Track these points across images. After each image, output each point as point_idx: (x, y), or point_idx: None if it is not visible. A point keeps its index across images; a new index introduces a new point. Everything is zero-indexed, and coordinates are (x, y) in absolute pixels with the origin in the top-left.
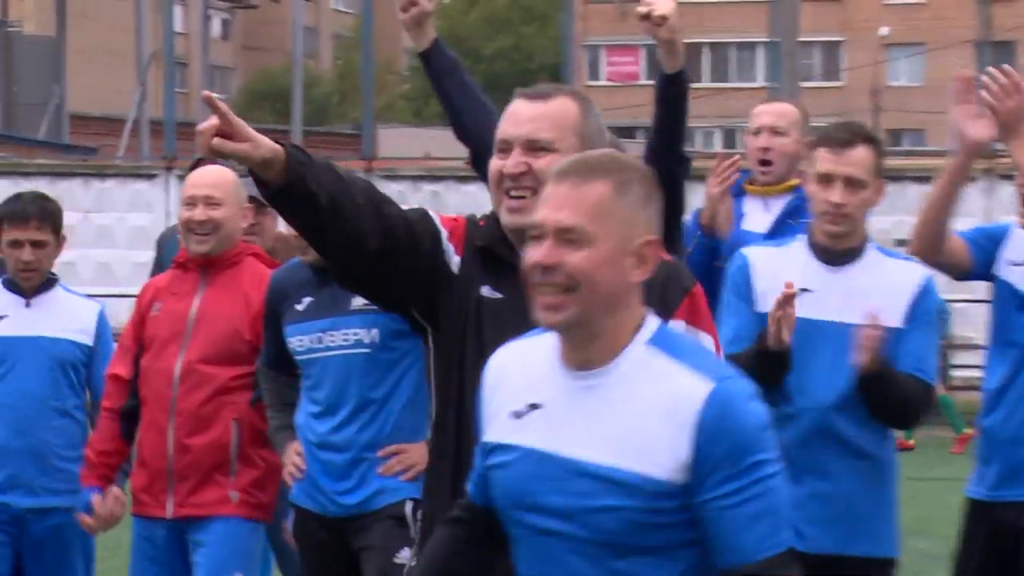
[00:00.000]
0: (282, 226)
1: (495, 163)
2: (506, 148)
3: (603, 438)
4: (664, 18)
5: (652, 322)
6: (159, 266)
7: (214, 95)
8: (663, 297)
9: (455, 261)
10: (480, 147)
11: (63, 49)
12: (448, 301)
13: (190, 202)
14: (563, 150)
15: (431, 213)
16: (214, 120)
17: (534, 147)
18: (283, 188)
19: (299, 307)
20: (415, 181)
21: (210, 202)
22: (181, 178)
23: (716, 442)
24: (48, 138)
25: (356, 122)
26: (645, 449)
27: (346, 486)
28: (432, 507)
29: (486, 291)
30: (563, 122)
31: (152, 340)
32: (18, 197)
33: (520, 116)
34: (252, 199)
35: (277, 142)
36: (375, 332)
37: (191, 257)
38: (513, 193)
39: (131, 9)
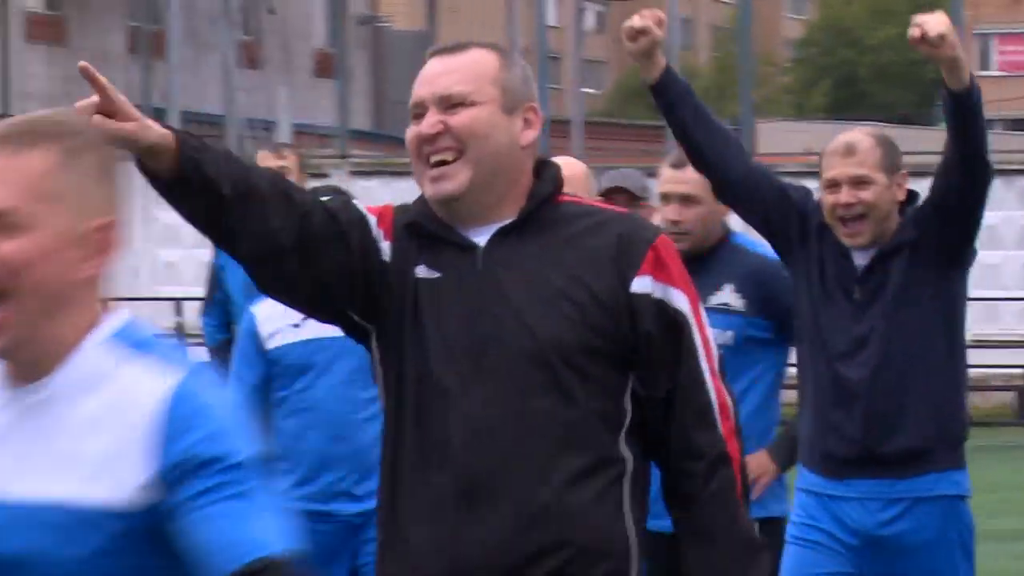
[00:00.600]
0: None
1: (410, 131)
2: (420, 112)
3: (50, 466)
4: (942, 37)
5: (114, 319)
6: None
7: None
8: (621, 254)
9: (385, 247)
10: (722, 177)
11: (433, 44)
12: (385, 291)
13: None
14: (483, 102)
15: (355, 201)
16: (93, 98)
17: (449, 103)
18: (177, 177)
19: None
20: (796, 177)
21: None
22: None
23: (182, 441)
24: None
25: (735, 116)
26: (99, 470)
27: None
28: (382, 495)
29: (422, 271)
30: (479, 73)
31: None
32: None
33: (431, 74)
34: (618, 192)
35: (167, 127)
36: (730, 334)
37: None
38: (433, 159)
39: (502, 2)
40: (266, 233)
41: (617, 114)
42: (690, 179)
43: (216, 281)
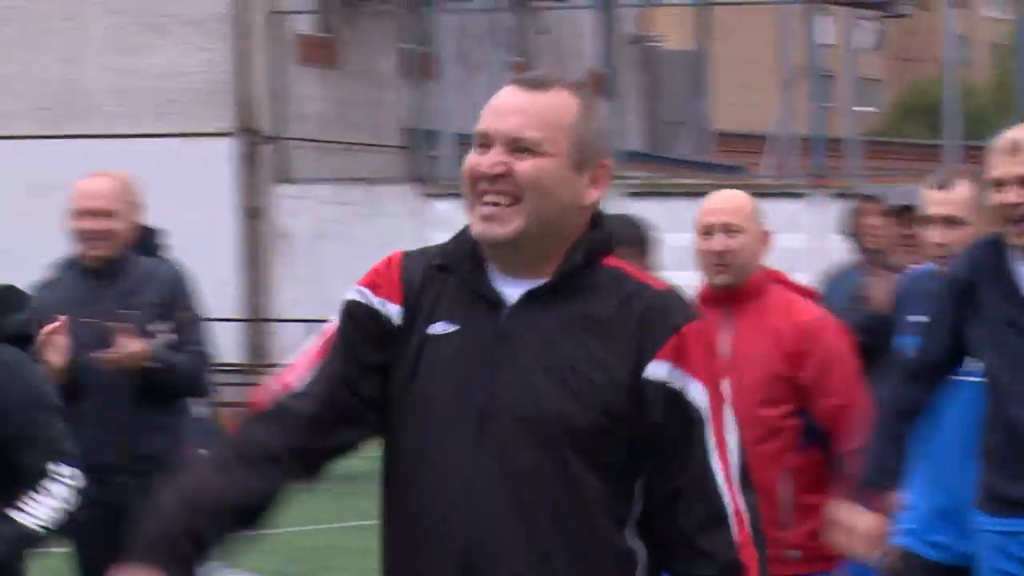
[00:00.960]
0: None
1: (471, 159)
2: (485, 143)
3: None
4: None
5: None
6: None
7: None
8: (643, 335)
9: (394, 312)
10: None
11: (705, 64)
12: (398, 357)
13: (707, 231)
14: (552, 154)
15: (357, 297)
16: None
17: (517, 146)
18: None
19: (912, 319)
20: None
21: (729, 230)
22: (838, 196)
23: None
24: (690, 156)
25: None
26: None
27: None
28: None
29: (437, 328)
30: (555, 119)
31: None
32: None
33: (505, 107)
34: (909, 210)
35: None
36: None
37: (714, 291)
38: (488, 198)
39: (775, 20)
40: (272, 491)
41: (893, 133)
42: (955, 200)
43: None
